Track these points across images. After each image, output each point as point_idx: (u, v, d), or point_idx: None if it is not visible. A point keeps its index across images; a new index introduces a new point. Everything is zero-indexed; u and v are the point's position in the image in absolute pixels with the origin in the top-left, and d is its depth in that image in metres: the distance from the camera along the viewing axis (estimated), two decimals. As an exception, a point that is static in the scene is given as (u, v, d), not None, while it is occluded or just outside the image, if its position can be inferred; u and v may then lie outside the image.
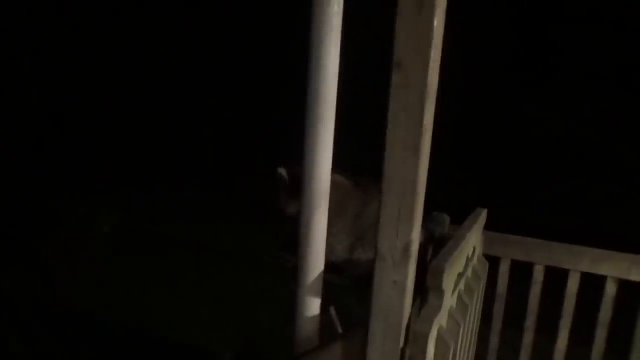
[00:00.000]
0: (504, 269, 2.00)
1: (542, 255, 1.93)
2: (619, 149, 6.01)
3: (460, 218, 1.82)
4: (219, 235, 4.83)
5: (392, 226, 1.16)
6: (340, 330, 1.77)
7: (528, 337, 2.04)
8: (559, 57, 6.87)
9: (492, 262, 1.98)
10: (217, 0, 7.70)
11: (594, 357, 1.95)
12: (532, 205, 5.37)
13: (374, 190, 1.73)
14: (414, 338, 1.21)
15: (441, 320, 1.31)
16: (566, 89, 6.61)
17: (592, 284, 1.89)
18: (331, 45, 1.28)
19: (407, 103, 1.08)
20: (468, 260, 1.66)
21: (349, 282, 1.73)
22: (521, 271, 2.00)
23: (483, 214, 1.89)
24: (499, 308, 2.06)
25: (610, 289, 1.87)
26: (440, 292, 1.27)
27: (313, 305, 1.46)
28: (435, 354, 1.28)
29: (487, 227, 1.95)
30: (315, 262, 1.43)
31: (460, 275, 1.53)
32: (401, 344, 1.22)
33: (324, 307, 1.50)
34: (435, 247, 1.71)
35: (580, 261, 1.87)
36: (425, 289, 1.27)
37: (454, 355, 1.37)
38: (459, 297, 1.53)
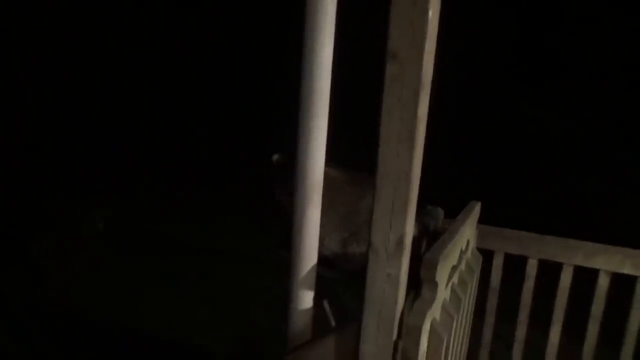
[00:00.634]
0: (497, 262, 2.01)
1: (536, 249, 1.93)
2: (614, 147, 6.04)
3: (453, 212, 1.82)
4: (213, 234, 4.80)
5: (385, 219, 1.15)
6: (333, 323, 1.76)
7: (521, 331, 2.05)
8: (556, 56, 6.88)
9: (486, 255, 1.98)
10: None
11: (586, 350, 1.96)
12: (526, 201, 5.39)
13: (368, 185, 1.73)
14: (408, 331, 1.21)
15: (435, 313, 1.31)
16: (563, 88, 6.63)
17: (584, 278, 1.90)
18: (325, 36, 1.26)
19: (402, 95, 1.07)
20: (462, 253, 1.66)
21: (343, 276, 1.73)
22: (514, 265, 2.01)
23: (477, 208, 1.88)
24: (492, 301, 2.06)
25: (603, 283, 1.88)
26: (433, 285, 1.26)
27: (306, 300, 1.45)
28: (428, 347, 1.28)
29: (481, 223, 1.96)
30: (308, 256, 1.42)
31: (454, 268, 1.52)
32: (394, 337, 1.21)
33: (317, 301, 1.49)
34: (429, 240, 1.71)
35: (575, 255, 1.88)
36: (419, 281, 1.27)
37: (447, 348, 1.37)
38: (453, 290, 1.53)
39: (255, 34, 7.74)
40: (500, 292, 2.05)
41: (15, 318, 3.30)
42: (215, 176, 6.33)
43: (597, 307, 1.90)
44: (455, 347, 1.53)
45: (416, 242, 1.29)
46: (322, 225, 1.45)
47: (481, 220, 1.95)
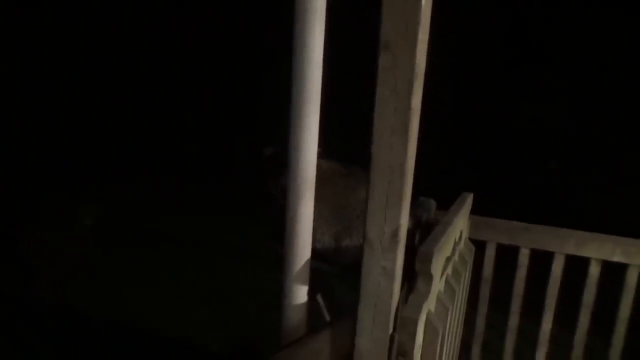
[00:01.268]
0: (489, 252, 2.01)
1: (527, 238, 1.94)
2: (602, 138, 6.09)
3: (444, 204, 1.81)
4: (205, 229, 4.76)
5: (380, 212, 1.14)
6: (327, 317, 1.76)
7: (513, 320, 2.06)
8: (546, 48, 6.91)
9: (478, 246, 1.98)
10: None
11: (577, 338, 1.97)
12: (516, 192, 5.43)
13: (360, 177, 1.72)
14: (403, 324, 1.20)
15: (430, 305, 1.30)
16: (553, 79, 6.67)
17: (575, 266, 1.91)
18: (316, 27, 1.24)
19: (395, 86, 1.05)
20: (455, 244, 1.66)
21: (337, 270, 1.72)
22: (506, 256, 2.01)
23: (469, 199, 1.88)
24: (484, 291, 2.07)
25: (594, 271, 1.89)
26: (429, 277, 1.26)
27: (300, 294, 1.44)
28: (424, 339, 1.28)
29: (473, 213, 1.96)
30: (302, 250, 1.41)
31: (448, 259, 1.52)
32: (390, 330, 1.21)
33: (311, 295, 1.48)
34: (422, 232, 1.71)
35: (566, 244, 1.89)
36: (414, 274, 1.26)
37: (443, 339, 1.37)
38: (447, 282, 1.52)
39: (245, 27, 7.65)
40: (493, 282, 2.06)
41: (5, 317, 3.24)
42: (206, 171, 6.28)
43: (588, 295, 1.92)
44: (450, 338, 1.53)
45: (409, 234, 1.28)
46: (314, 219, 1.44)
47: (472, 211, 1.95)
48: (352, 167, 1.76)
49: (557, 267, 1.93)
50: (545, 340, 2.03)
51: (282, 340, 1.45)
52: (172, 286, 3.74)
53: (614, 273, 1.88)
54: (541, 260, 1.96)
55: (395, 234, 1.14)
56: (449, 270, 1.56)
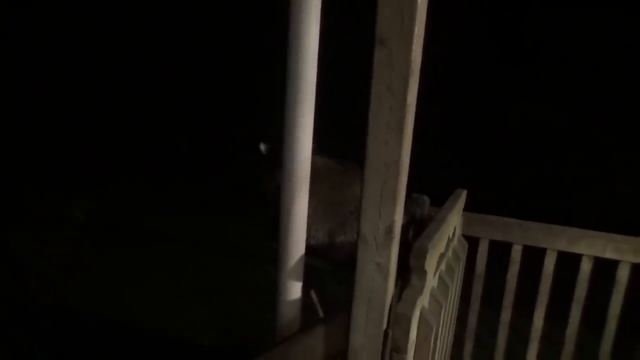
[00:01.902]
0: (482, 248, 2.02)
1: (520, 235, 1.95)
2: (595, 136, 6.14)
3: (438, 200, 1.82)
4: (197, 226, 4.74)
5: (375, 208, 1.14)
6: (321, 314, 1.75)
7: (506, 316, 2.07)
8: (534, 44, 6.93)
9: (471, 242, 1.99)
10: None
11: (568, 334, 1.99)
12: (508, 189, 5.45)
13: (354, 173, 1.71)
14: (397, 320, 1.21)
15: (424, 301, 1.31)
16: (543, 75, 6.70)
17: (567, 262, 1.92)
18: (311, 22, 1.23)
19: (391, 81, 1.05)
20: (449, 241, 1.66)
21: (331, 266, 1.72)
22: (498, 252, 2.02)
23: (463, 195, 1.89)
24: (477, 288, 2.08)
25: (586, 267, 1.90)
26: (422, 273, 1.26)
27: (294, 290, 1.44)
28: (418, 335, 1.28)
29: (465, 209, 1.96)
30: (296, 247, 1.41)
31: (441, 256, 1.52)
32: (384, 326, 1.21)
33: (305, 291, 1.48)
34: (415, 228, 1.71)
35: (558, 240, 1.90)
36: (408, 270, 1.26)
37: (436, 335, 1.37)
38: (441, 278, 1.53)
39: (238, 22, 7.61)
40: (485, 278, 2.07)
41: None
42: (201, 168, 6.24)
43: (580, 291, 1.93)
44: (443, 334, 1.54)
45: (403, 230, 1.28)
46: (308, 215, 1.43)
47: (466, 208, 1.96)
48: (346, 164, 1.76)
49: (550, 264, 1.95)
50: (537, 336, 2.04)
51: (276, 336, 1.45)
52: (166, 284, 3.72)
53: (605, 269, 1.90)
54: (533, 256, 1.97)
55: (389, 230, 1.14)
56: (443, 267, 1.56)
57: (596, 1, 6.17)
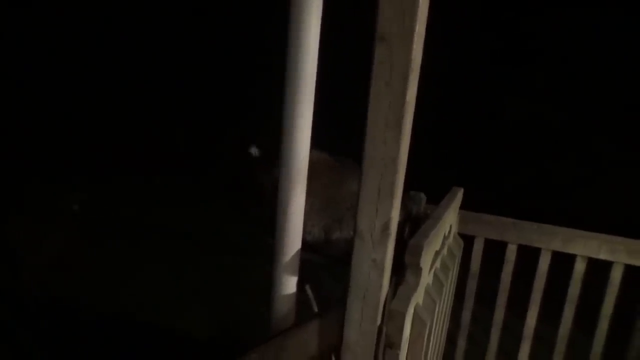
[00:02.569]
0: (477, 247, 2.03)
1: (516, 234, 1.96)
2: (592, 135, 6.16)
3: (434, 198, 1.82)
4: (193, 219, 4.73)
5: (371, 205, 1.14)
6: (316, 309, 1.76)
7: (499, 314, 2.08)
8: (531, 43, 6.94)
9: (467, 240, 2.00)
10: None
11: (561, 333, 2.01)
12: (505, 188, 5.47)
13: (350, 170, 1.72)
14: (391, 316, 1.21)
15: (418, 298, 1.31)
16: (543, 77, 6.71)
17: (560, 262, 1.93)
18: (312, 18, 1.23)
19: (390, 79, 1.05)
20: (444, 238, 1.67)
21: (326, 261, 1.72)
22: (493, 251, 2.03)
23: (459, 193, 1.90)
24: (471, 286, 2.09)
25: (580, 267, 1.92)
26: (418, 270, 1.26)
27: (289, 285, 1.44)
28: (411, 332, 1.29)
29: (461, 208, 1.97)
30: (292, 242, 1.41)
31: (437, 253, 1.53)
32: (379, 322, 1.21)
33: (300, 286, 1.48)
34: (411, 225, 1.72)
35: (553, 240, 1.91)
36: (403, 266, 1.27)
37: (430, 332, 1.38)
38: (435, 275, 1.54)
39: (236, 19, 7.57)
40: (479, 277, 2.08)
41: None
42: (198, 163, 6.23)
43: (573, 291, 1.95)
44: (437, 331, 1.55)
45: (399, 227, 1.29)
46: (305, 212, 1.43)
47: (462, 206, 1.97)
48: (344, 160, 1.76)
49: (544, 263, 1.96)
50: (530, 334, 2.06)
51: (271, 330, 1.45)
52: (162, 278, 3.72)
53: (598, 270, 1.91)
54: (528, 256, 1.98)
55: (386, 227, 1.14)
56: (438, 264, 1.57)
57: (596, 1, 6.18)
